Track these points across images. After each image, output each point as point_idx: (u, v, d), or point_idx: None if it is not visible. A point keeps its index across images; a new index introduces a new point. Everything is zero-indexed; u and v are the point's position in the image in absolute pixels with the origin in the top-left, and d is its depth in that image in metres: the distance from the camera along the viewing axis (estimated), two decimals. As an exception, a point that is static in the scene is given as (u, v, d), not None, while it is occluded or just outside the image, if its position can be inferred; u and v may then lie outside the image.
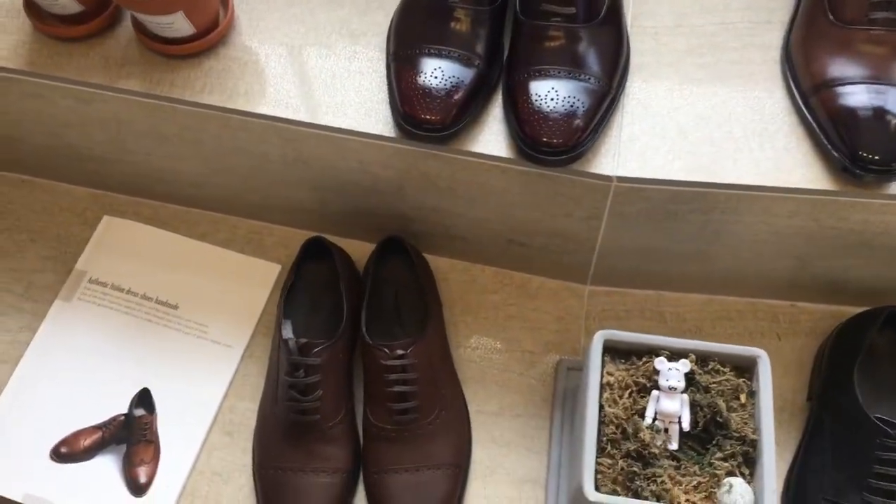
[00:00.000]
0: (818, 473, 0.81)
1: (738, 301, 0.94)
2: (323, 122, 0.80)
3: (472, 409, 0.88)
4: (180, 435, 0.88)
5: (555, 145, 0.73)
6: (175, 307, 0.95)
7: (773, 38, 0.82)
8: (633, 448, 0.72)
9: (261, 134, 0.83)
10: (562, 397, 0.88)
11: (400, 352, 0.81)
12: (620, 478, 0.72)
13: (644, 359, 0.76)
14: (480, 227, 0.90)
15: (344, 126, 0.80)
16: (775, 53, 0.81)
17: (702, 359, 0.75)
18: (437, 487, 0.82)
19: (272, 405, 0.85)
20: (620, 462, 0.72)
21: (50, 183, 1.03)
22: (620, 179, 0.76)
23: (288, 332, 0.84)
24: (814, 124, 0.76)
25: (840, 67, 0.75)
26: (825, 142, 0.74)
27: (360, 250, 0.94)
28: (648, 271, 0.92)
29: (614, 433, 0.73)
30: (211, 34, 0.81)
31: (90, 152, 0.94)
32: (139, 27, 0.82)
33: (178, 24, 0.77)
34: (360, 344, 0.86)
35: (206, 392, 0.90)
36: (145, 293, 0.96)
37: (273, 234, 1.00)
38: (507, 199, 0.83)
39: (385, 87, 0.81)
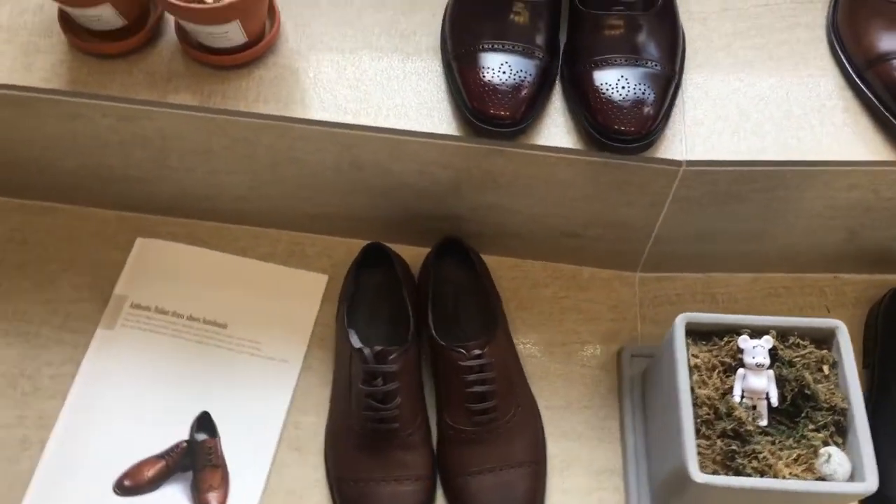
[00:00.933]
0: (892, 437, 0.83)
1: (785, 277, 0.96)
2: (385, 125, 0.78)
3: (540, 405, 0.87)
4: (247, 456, 0.85)
5: (628, 133, 0.73)
6: (224, 326, 0.93)
7: (817, 17, 0.84)
8: (728, 427, 0.72)
9: (318, 141, 0.81)
10: (630, 385, 0.89)
11: (477, 352, 0.80)
12: (719, 458, 0.72)
13: (725, 338, 0.77)
14: (536, 223, 0.89)
15: (406, 128, 0.79)
16: (820, 32, 0.83)
17: (782, 334, 0.76)
18: (520, 486, 0.82)
19: (344, 417, 0.83)
20: (718, 442, 0.73)
21: (75, 208, 0.99)
22: (690, 164, 0.77)
23: (357, 342, 0.82)
24: (872, 97, 0.77)
25: (892, 41, 0.77)
26: (885, 113, 0.76)
27: (407, 255, 0.93)
28: (699, 254, 0.93)
29: (707, 414, 0.74)
30: (261, 42, 0.79)
31: (125, 172, 0.91)
32: (186, 39, 0.80)
33: (232, 34, 0.75)
34: (429, 348, 0.85)
35: (267, 410, 0.88)
36: (191, 314, 0.93)
37: (315, 244, 0.98)
38: (570, 192, 0.83)
39: (443, 87, 0.80)
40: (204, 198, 0.94)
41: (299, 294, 0.95)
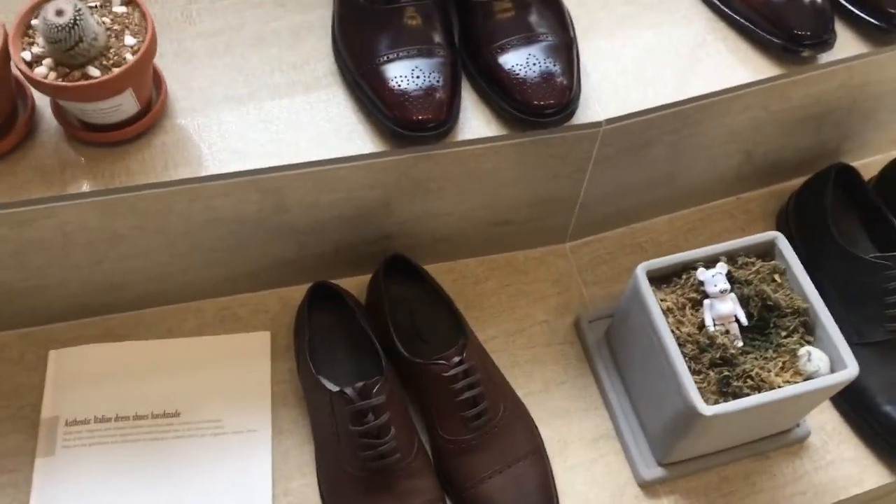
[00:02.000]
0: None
1: (695, 211, 1.01)
2: (309, 159, 0.76)
3: (519, 394, 0.87)
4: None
5: (550, 106, 0.75)
6: (177, 415, 0.86)
7: (670, -37, 0.89)
8: (716, 356, 0.76)
9: (239, 194, 0.77)
10: (597, 350, 0.90)
11: (457, 359, 0.79)
12: (715, 387, 0.75)
13: (683, 276, 0.80)
14: (466, 220, 0.89)
15: (330, 156, 0.76)
16: (679, -24, 0.88)
17: (731, 258, 0.81)
18: (531, 476, 0.81)
19: (338, 466, 0.79)
20: (710, 374, 0.76)
21: (-35, 340, 0.89)
22: (609, 121, 0.80)
23: (332, 386, 0.79)
24: (746, 23, 0.83)
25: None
26: (762, 34, 0.82)
27: (345, 286, 0.90)
28: (620, 210, 0.96)
29: (693, 350, 0.76)
30: (154, 107, 0.74)
31: (22, 285, 0.83)
32: (70, 123, 0.73)
33: (125, 104, 0.70)
34: (404, 370, 0.82)
35: (251, 487, 0.83)
36: (136, 413, 0.86)
37: (244, 304, 0.93)
38: (497, 179, 0.84)
39: (354, 107, 0.78)
40: (115, 288, 0.87)
41: (245, 358, 0.90)
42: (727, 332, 0.78)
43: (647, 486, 0.83)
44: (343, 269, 0.91)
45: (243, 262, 0.88)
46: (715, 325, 0.78)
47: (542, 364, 0.91)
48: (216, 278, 0.89)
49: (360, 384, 0.77)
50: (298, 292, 0.91)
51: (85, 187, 0.73)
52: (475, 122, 0.79)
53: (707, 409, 0.72)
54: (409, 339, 0.86)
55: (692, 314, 0.78)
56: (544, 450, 0.84)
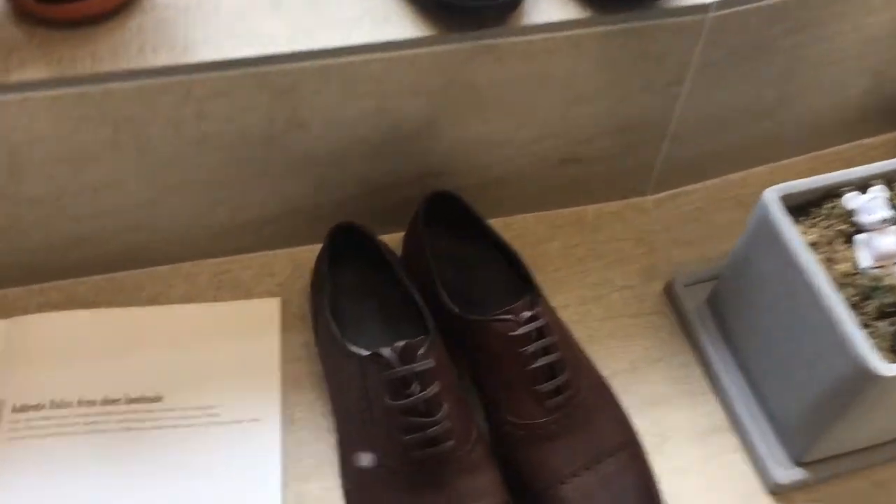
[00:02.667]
0: None
1: (802, 160, 0.82)
2: (330, 45, 0.57)
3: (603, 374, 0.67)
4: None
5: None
6: (157, 399, 0.66)
7: None
8: (886, 303, 0.56)
9: (241, 94, 0.59)
10: (698, 319, 0.70)
11: (528, 313, 0.60)
12: (888, 343, 0.55)
13: (826, 206, 0.61)
14: (527, 155, 0.71)
15: (360, 41, 0.58)
16: None
17: (889, 181, 0.61)
18: (627, 477, 0.61)
19: (375, 458, 0.59)
20: (879, 326, 0.56)
21: None
22: (719, 5, 0.61)
23: (361, 350, 0.59)
24: None
25: None
26: None
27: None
28: (715, 150, 0.77)
29: (854, 296, 0.57)
30: (129, -27, 0.57)
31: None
32: (19, -8, 0.56)
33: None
34: (452, 334, 0.62)
35: (254, 492, 0.62)
36: (105, 396, 0.66)
37: (247, 266, 0.74)
38: (571, 91, 0.65)
39: (392, -17, 0.60)
40: (82, 240, 0.68)
41: (248, 331, 0.70)
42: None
43: (782, 493, 0.63)
44: (370, 222, 0.72)
45: (246, 207, 0.69)
46: (874, 266, 0.58)
47: (628, 339, 0.71)
48: (212, 229, 0.70)
49: (400, 343, 0.57)
50: (313, 253, 0.72)
51: (35, 74, 0.55)
52: (546, 3, 0.60)
53: (888, 369, 0.52)
54: (457, 300, 0.66)
55: (845, 251, 0.59)
56: (640, 443, 0.64)
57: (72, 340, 0.68)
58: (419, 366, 0.57)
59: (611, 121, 0.69)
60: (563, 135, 0.69)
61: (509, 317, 0.59)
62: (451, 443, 0.57)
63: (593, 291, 0.74)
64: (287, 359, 0.69)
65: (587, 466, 0.60)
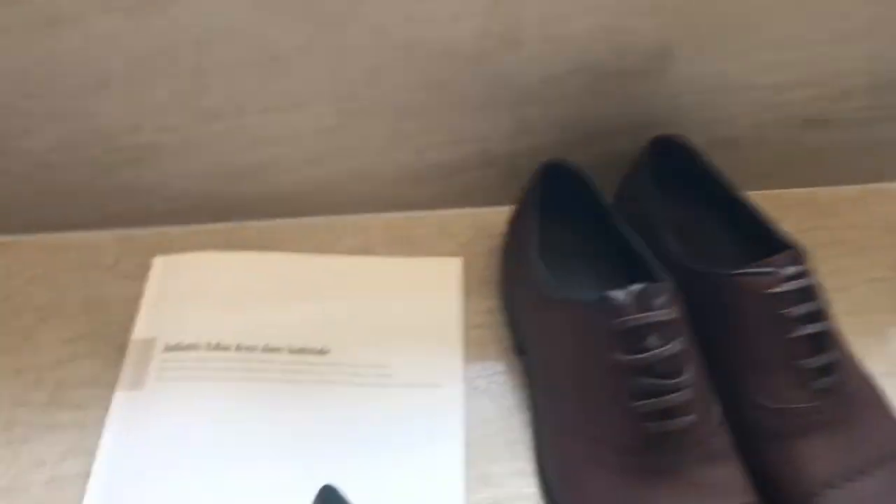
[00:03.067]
0: None
1: None
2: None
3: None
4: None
5: None
6: (323, 352, 0.57)
7: None
8: None
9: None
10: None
11: (793, 269, 0.48)
12: None
13: None
14: (768, 107, 0.60)
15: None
16: None
17: None
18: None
19: (586, 435, 0.48)
20: None
21: (45, 237, 0.64)
22: None
23: (572, 293, 0.49)
24: None
25: None
26: None
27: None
28: None
29: None
30: None
31: (123, 158, 0.58)
32: None
33: None
34: (686, 294, 0.51)
35: (431, 467, 0.52)
36: (267, 344, 0.57)
37: (426, 224, 0.66)
38: (848, 21, 0.55)
39: None
40: (253, 170, 0.61)
41: (426, 290, 0.61)
42: None
43: None
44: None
45: (435, 146, 0.61)
46: None
47: (882, 338, 0.58)
48: (393, 173, 0.62)
49: (636, 287, 0.46)
50: (498, 216, 0.64)
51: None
52: None
53: None
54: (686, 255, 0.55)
55: None
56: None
57: (232, 283, 0.61)
58: (659, 315, 0.46)
59: (880, 70, 0.58)
60: (818, 83, 0.59)
61: (769, 269, 0.48)
62: (691, 418, 0.46)
63: (838, 281, 0.61)
64: (468, 325, 0.59)
65: (864, 470, 0.47)
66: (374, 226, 0.65)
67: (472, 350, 0.58)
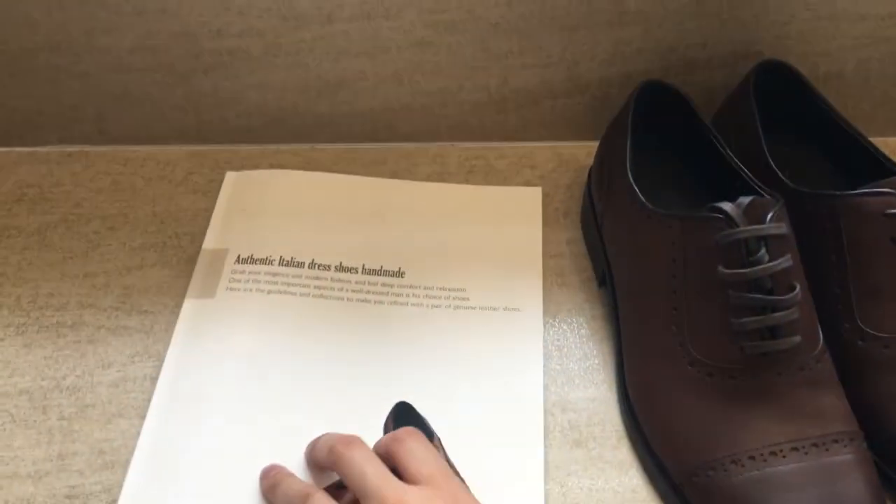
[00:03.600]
0: None
1: None
2: None
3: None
4: (496, 466, 0.46)
5: None
6: (398, 274, 0.55)
7: None
8: None
9: None
10: None
11: (911, 190, 0.45)
12: None
13: None
14: (879, 40, 0.57)
15: None
16: None
17: None
18: None
19: (686, 355, 0.45)
20: None
21: (116, 149, 0.63)
22: None
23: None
24: None
25: None
26: None
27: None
28: None
29: None
30: None
31: (210, 49, 0.57)
32: None
33: None
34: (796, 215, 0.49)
35: (512, 390, 0.50)
36: (341, 263, 0.56)
37: (506, 155, 0.63)
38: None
39: None
40: (335, 86, 0.59)
41: (505, 217, 0.59)
42: None
43: None
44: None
45: (526, 70, 0.59)
46: None
47: None
48: (477, 96, 0.60)
49: (745, 199, 0.44)
50: (581, 150, 0.62)
51: None
52: None
53: None
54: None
55: None
56: None
57: (307, 202, 0.59)
58: (770, 228, 0.43)
59: None
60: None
61: (887, 189, 0.45)
62: (797, 339, 0.43)
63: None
64: (548, 253, 0.57)
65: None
66: (452, 154, 0.63)
67: (551, 279, 0.56)
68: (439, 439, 0.47)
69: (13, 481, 0.46)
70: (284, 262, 0.55)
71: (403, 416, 0.48)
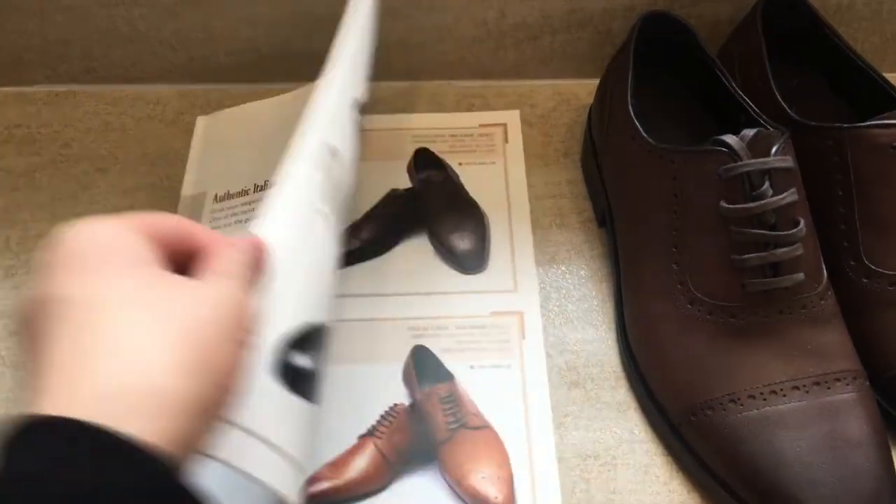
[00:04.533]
0: None
1: None
2: None
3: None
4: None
5: None
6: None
7: None
8: None
9: None
10: None
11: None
12: None
13: None
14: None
15: None
16: None
17: None
18: None
19: (685, 293, 0.44)
20: None
21: (104, 88, 0.62)
22: None
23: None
24: None
25: None
26: None
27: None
28: None
29: None
30: None
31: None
32: None
33: None
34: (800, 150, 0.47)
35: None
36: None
37: (504, 94, 0.62)
38: None
39: None
40: (321, 23, 0.57)
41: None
42: None
43: None
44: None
45: (524, 2, 0.57)
46: None
47: None
48: (474, 31, 0.58)
49: (750, 131, 0.42)
50: (581, 88, 0.60)
51: None
52: None
53: None
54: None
55: None
56: None
57: (277, 127, 0.57)
58: (775, 161, 0.42)
59: None
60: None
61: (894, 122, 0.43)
62: (800, 276, 0.42)
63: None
64: (547, 195, 0.56)
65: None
66: (450, 93, 0.62)
67: (550, 221, 0.55)
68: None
69: (3, 422, 0.45)
70: (258, 189, 0.54)
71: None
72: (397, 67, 0.61)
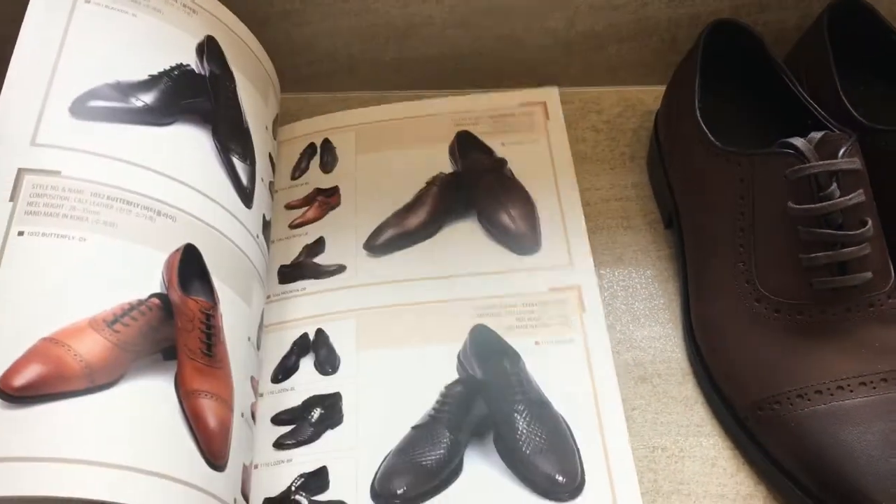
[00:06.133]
0: None
1: None
2: None
3: None
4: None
5: None
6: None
7: None
8: None
9: None
10: None
11: None
12: None
13: None
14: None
15: None
16: None
17: None
18: None
19: (751, 292, 0.46)
20: None
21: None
22: None
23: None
24: None
25: None
26: None
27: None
28: None
29: None
30: None
31: (273, 1, 0.58)
32: None
33: None
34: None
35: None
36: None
37: (571, 100, 0.63)
38: None
39: None
40: (398, 34, 0.60)
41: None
42: None
43: None
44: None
45: (591, 12, 0.59)
46: None
47: None
48: (541, 40, 0.60)
49: (818, 134, 0.44)
50: (647, 95, 0.61)
51: None
52: None
53: None
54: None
55: None
56: None
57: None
58: (842, 163, 0.43)
59: None
60: None
61: (965, 124, 0.44)
62: (867, 274, 0.43)
63: None
64: (613, 197, 0.58)
65: None
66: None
67: (618, 223, 0.56)
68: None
69: None
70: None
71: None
72: (468, 76, 0.63)
